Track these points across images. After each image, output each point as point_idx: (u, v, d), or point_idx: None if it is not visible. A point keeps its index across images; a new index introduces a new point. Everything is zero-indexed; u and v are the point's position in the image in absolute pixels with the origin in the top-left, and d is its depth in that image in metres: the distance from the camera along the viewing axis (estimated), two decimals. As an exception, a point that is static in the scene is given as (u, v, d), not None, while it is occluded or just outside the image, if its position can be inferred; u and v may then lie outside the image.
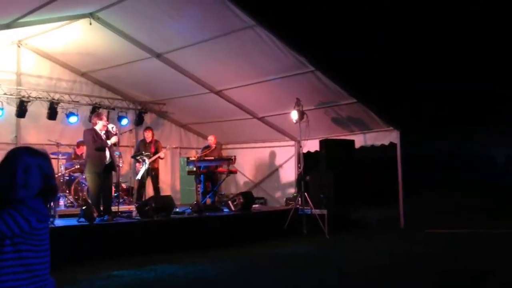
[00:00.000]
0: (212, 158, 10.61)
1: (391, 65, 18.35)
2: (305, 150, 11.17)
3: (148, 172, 10.29)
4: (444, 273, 6.38)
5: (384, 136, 11.04)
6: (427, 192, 15.75)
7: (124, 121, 12.04)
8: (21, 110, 10.33)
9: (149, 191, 10.91)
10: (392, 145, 10.96)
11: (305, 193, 10.06)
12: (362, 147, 11.38)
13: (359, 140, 11.28)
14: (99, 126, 8.19)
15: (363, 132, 11.26)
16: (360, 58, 18.02)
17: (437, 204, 14.54)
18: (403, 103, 16.29)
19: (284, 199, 12.17)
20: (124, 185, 10.72)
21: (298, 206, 10.29)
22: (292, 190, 12.42)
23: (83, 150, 10.25)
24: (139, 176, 10.25)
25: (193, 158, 10.30)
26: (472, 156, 17.58)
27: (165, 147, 11.02)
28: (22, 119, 10.60)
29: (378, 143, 11.22)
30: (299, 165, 11.66)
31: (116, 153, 8.50)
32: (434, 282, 5.91)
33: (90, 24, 9.10)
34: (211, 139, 11.21)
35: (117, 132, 8.53)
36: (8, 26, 8.45)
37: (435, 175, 16.44)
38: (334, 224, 9.86)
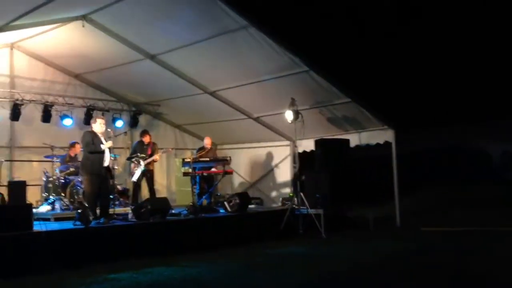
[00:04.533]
0: (208, 159, 10.60)
1: (385, 64, 18.39)
2: (300, 150, 11.19)
3: (143, 174, 10.28)
4: (440, 272, 6.42)
5: (379, 135, 11.07)
6: (423, 190, 15.81)
7: (119, 123, 12.02)
8: (15, 113, 10.32)
9: (145, 193, 10.89)
10: (387, 144, 11.00)
11: (301, 193, 10.08)
12: (357, 146, 11.41)
13: (354, 139, 11.30)
14: (96, 128, 8.21)
15: (358, 131, 11.28)
16: (354, 57, 18.06)
17: (433, 202, 14.59)
18: (397, 102, 16.33)
19: (280, 199, 12.18)
20: (119, 187, 10.69)
21: (294, 206, 10.31)
22: (288, 190, 12.44)
23: (76, 151, 10.25)
24: (134, 178, 10.22)
25: (188, 159, 10.28)
26: (468, 153, 17.63)
27: (161, 149, 11.00)
28: (16, 122, 10.58)
29: (373, 142, 11.25)
30: (294, 165, 11.69)
31: (112, 156, 8.46)
32: (430, 281, 5.93)
33: (83, 26, 9.08)
34: (207, 141, 11.22)
35: (112, 135, 8.54)
36: (0, 29, 8.40)
37: (430, 172, 16.49)
38: (330, 224, 9.88)
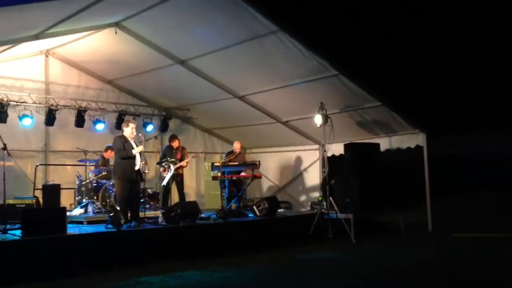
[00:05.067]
0: (237, 163, 10.64)
1: (416, 66, 18.10)
2: (329, 154, 11.10)
3: (173, 178, 10.40)
4: (474, 279, 6.25)
5: (410, 139, 10.90)
6: (455, 195, 15.46)
7: (149, 127, 12.22)
8: (50, 118, 10.59)
9: (175, 197, 11.01)
10: (418, 148, 10.81)
11: (330, 197, 10.01)
12: (387, 150, 11.26)
13: (385, 143, 11.17)
14: (128, 133, 8.36)
15: (389, 135, 11.14)
16: (384, 60, 17.83)
17: (465, 208, 14.25)
18: (429, 105, 16.04)
19: (309, 203, 12.13)
20: (149, 191, 10.84)
21: (323, 210, 10.24)
22: (317, 194, 12.37)
23: (110, 154, 10.44)
24: (164, 182, 10.36)
25: (217, 164, 10.35)
26: (500, 157, 17.15)
27: (191, 153, 11.11)
28: (50, 127, 10.85)
29: (404, 146, 11.09)
30: (323, 169, 11.60)
31: (143, 159, 8.58)
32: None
33: (116, 33, 9.27)
34: (236, 146, 11.28)
35: (143, 139, 8.68)
36: (36, 37, 8.65)
37: (463, 177, 16.10)
38: (360, 229, 9.77)
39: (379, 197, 10.37)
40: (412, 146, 10.92)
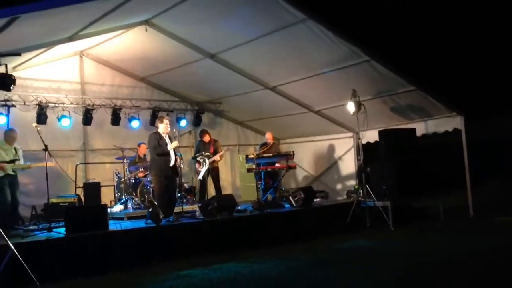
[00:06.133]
0: (271, 154, 10.65)
1: (450, 47, 17.58)
2: (364, 141, 10.96)
3: (208, 172, 10.50)
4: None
5: (447, 123, 10.64)
6: (496, 179, 15.01)
7: (183, 122, 12.37)
8: (87, 118, 10.85)
9: (211, 190, 11.13)
10: (456, 131, 10.55)
11: (367, 185, 9.91)
12: (424, 135, 11.03)
13: (421, 128, 10.94)
14: (162, 129, 8.48)
15: (424, 119, 10.91)
16: (416, 43, 17.39)
17: (506, 192, 13.83)
18: (466, 87, 15.55)
19: (345, 191, 12.04)
20: (186, 185, 10.99)
21: (360, 198, 10.15)
22: (352, 182, 12.26)
23: (144, 150, 10.63)
24: (200, 177, 10.48)
25: (252, 156, 10.39)
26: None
27: (224, 146, 11.18)
28: (88, 126, 11.12)
29: (441, 130, 10.84)
30: (358, 157, 11.48)
31: (178, 154, 8.70)
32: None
33: (146, 30, 9.39)
34: (268, 136, 11.28)
35: (177, 135, 8.79)
36: (70, 39, 8.86)
37: (503, 160, 15.57)
38: (398, 216, 9.65)
39: (417, 183, 10.18)
40: (450, 129, 10.66)
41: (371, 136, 11.13)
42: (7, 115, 9.83)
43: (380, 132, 10.55)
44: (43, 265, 6.33)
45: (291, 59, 10.07)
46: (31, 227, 8.45)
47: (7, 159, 8.14)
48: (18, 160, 8.30)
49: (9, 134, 8.46)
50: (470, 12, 17.63)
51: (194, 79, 11.79)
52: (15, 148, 8.40)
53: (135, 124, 11.58)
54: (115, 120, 11.25)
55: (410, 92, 10.08)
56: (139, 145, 10.80)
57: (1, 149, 8.25)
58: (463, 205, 10.58)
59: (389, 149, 10.22)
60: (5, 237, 5.88)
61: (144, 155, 10.70)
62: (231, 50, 10.05)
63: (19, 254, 5.81)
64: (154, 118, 11.57)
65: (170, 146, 8.37)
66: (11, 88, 8.56)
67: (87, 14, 7.83)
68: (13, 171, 8.29)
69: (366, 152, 10.62)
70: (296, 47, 9.59)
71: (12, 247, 5.83)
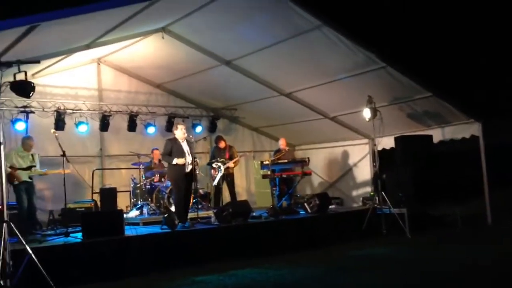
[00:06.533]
0: (286, 160, 10.63)
1: (467, 53, 17.41)
2: (380, 148, 10.89)
3: (223, 178, 10.53)
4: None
5: (464, 129, 10.52)
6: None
7: (198, 129, 12.44)
8: (104, 124, 10.97)
9: (226, 196, 11.14)
10: (473, 138, 10.43)
11: (382, 192, 9.83)
12: (441, 142, 10.92)
13: (437, 134, 10.83)
14: (179, 135, 8.55)
15: (441, 126, 10.80)
16: (432, 49, 17.27)
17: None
18: (483, 93, 15.38)
19: (361, 198, 11.96)
20: (201, 191, 11.03)
21: (375, 205, 10.07)
22: (368, 189, 12.17)
23: (158, 156, 10.70)
24: (215, 183, 10.50)
25: (267, 162, 10.38)
26: None
27: (240, 152, 11.20)
28: (105, 133, 11.24)
29: (458, 136, 10.71)
30: (374, 163, 11.41)
31: (194, 161, 8.73)
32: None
33: (163, 37, 9.48)
34: (282, 142, 11.25)
35: (193, 140, 8.84)
36: (88, 46, 8.98)
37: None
38: (414, 223, 9.55)
39: (433, 190, 10.08)
40: (467, 136, 10.53)
41: (387, 142, 11.06)
42: (26, 121, 9.99)
43: (396, 139, 10.47)
44: (60, 270, 6.39)
45: (306, 65, 10.08)
46: (49, 232, 8.55)
47: (24, 166, 8.34)
48: (35, 166, 8.45)
49: (27, 142, 8.62)
50: (485, 18, 17.47)
51: (209, 86, 11.85)
52: (32, 154, 8.55)
53: (151, 130, 11.68)
54: (132, 126, 11.35)
55: (427, 98, 10.00)
56: (152, 151, 10.88)
57: (19, 156, 8.42)
58: (481, 213, 10.43)
59: (406, 155, 10.14)
60: (23, 242, 5.95)
61: (159, 160, 10.77)
62: (246, 56, 10.10)
63: (36, 258, 5.88)
64: (170, 124, 11.65)
65: (177, 161, 8.35)
66: (31, 95, 8.66)
67: (104, 22, 7.94)
68: (29, 178, 8.42)
69: (382, 158, 10.55)
70: (312, 53, 9.59)
71: (30, 252, 5.90)
